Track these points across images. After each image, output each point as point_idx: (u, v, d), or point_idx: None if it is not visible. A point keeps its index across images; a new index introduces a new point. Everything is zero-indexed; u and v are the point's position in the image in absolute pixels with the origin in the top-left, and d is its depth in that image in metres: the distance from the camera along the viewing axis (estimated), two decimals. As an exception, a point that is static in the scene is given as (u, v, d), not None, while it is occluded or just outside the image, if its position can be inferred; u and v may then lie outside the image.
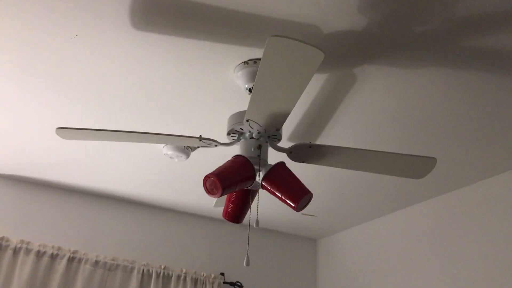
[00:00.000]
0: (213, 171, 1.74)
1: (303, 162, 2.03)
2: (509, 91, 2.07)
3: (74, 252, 3.40)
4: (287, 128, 2.49)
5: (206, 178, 1.74)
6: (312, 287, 4.16)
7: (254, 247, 4.09)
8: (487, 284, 2.70)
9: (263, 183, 1.87)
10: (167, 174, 3.22)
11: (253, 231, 4.13)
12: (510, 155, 2.60)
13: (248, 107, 1.71)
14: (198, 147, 2.77)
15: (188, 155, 2.80)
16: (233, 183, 1.74)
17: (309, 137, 2.55)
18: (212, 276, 3.71)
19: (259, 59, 2.01)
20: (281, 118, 1.73)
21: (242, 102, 2.28)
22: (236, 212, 1.98)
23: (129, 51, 2.00)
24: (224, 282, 3.77)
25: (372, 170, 2.10)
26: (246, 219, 4.02)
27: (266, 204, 3.60)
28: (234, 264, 3.94)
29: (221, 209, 3.73)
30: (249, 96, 2.14)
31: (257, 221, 1.81)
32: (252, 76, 2.05)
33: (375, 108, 2.29)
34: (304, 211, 3.78)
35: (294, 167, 2.58)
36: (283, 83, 1.53)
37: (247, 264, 1.84)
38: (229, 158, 3.06)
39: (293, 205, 1.81)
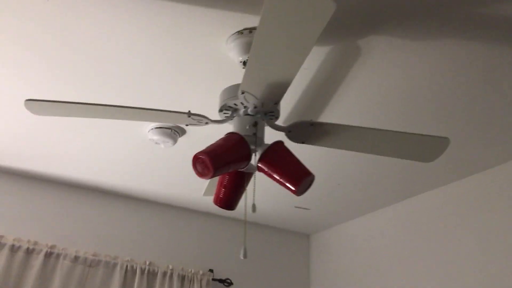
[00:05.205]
0: (204, 149, 1.54)
1: (302, 143, 1.84)
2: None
3: (52, 247, 3.17)
4: (285, 108, 2.28)
5: (196, 157, 1.54)
6: (305, 284, 3.97)
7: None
8: (489, 282, 2.53)
9: (260, 165, 1.67)
10: (152, 163, 3.00)
11: (242, 226, 3.93)
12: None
13: (244, 76, 1.50)
14: (186, 130, 2.56)
15: (175, 140, 2.59)
16: (226, 163, 1.55)
17: (309, 117, 2.35)
18: (201, 272, 3.51)
19: (255, 28, 1.82)
20: (281, 89, 1.53)
21: (236, 77, 2.07)
22: (229, 198, 1.78)
23: (110, 10, 1.78)
24: (213, 279, 3.57)
25: (378, 152, 1.91)
26: (240, 209, 3.82)
27: (257, 196, 3.40)
28: (224, 260, 3.74)
29: (210, 200, 3.53)
30: (244, 70, 1.94)
31: (253, 206, 1.62)
32: (247, 48, 1.85)
33: (382, 84, 2.09)
34: (297, 204, 3.59)
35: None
36: (285, 45, 1.33)
37: (245, 257, 1.64)
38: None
39: (293, 189, 1.62)
